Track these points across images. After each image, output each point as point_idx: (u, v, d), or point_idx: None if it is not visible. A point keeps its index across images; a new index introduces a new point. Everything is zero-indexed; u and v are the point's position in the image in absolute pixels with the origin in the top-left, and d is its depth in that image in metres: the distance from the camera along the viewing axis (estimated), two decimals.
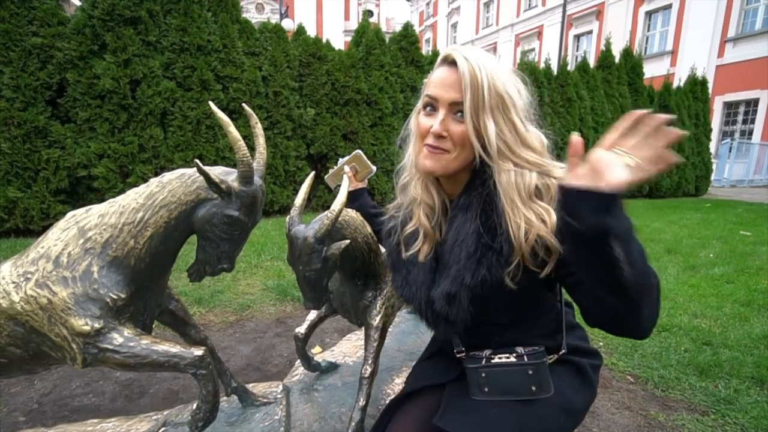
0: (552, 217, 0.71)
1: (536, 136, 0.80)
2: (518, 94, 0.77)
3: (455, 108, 0.77)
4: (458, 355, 0.89)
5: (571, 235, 0.60)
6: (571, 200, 0.58)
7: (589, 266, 0.62)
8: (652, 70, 13.02)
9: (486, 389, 0.83)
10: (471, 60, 0.74)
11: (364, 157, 1.23)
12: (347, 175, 1.18)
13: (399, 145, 0.95)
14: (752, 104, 13.48)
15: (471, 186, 0.82)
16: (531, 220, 0.72)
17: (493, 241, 0.76)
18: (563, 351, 0.87)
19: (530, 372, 0.80)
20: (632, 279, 0.59)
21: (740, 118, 13.92)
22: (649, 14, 15.88)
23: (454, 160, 0.79)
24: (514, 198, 0.74)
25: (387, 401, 1.37)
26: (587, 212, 0.56)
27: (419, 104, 0.85)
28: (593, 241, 0.57)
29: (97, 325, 0.88)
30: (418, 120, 0.83)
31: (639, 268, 0.59)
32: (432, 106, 0.80)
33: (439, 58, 0.81)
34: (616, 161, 0.56)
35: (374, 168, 1.24)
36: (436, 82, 0.79)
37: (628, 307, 0.62)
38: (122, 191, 0.97)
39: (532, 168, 0.76)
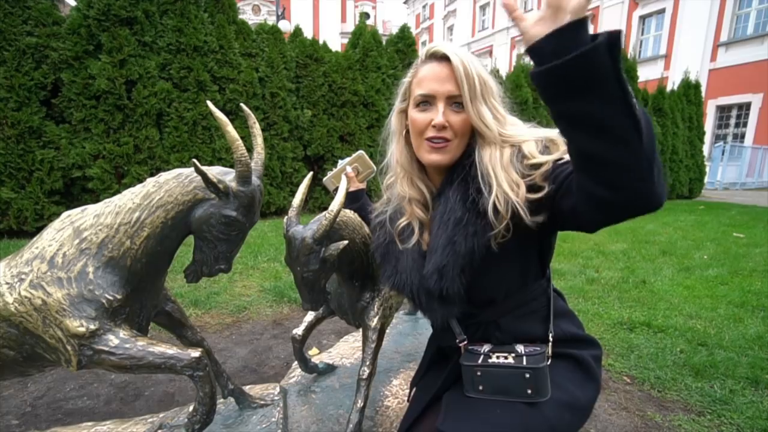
0: (522, 189, 0.75)
1: (510, 117, 0.85)
2: (492, 80, 0.84)
3: (451, 101, 0.82)
4: (460, 344, 0.89)
5: (574, 82, 0.54)
6: (559, 43, 0.55)
7: (600, 111, 0.54)
8: (646, 73, 13.17)
9: (480, 387, 0.83)
10: (459, 53, 0.80)
11: (367, 158, 1.23)
12: (348, 175, 1.18)
13: (381, 145, 0.99)
14: (744, 108, 13.64)
15: (456, 165, 0.87)
16: (509, 188, 0.76)
17: (478, 204, 0.80)
18: (551, 334, 0.87)
19: (527, 375, 0.79)
20: (639, 114, 0.54)
21: (733, 121, 14.08)
22: (642, 18, 16.04)
23: (456, 148, 0.85)
24: (496, 169, 0.78)
25: (385, 403, 1.37)
26: (577, 43, 0.53)
27: (402, 104, 0.90)
28: (599, 65, 0.52)
29: (92, 327, 0.87)
30: (413, 117, 0.86)
31: (637, 105, 0.54)
32: (427, 102, 0.84)
33: (424, 55, 0.86)
34: None
35: (375, 168, 1.24)
36: (430, 77, 0.83)
37: (640, 158, 0.55)
38: (117, 192, 0.97)
39: (515, 143, 0.81)
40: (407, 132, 0.90)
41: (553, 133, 0.80)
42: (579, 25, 0.55)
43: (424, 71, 0.84)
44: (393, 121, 0.93)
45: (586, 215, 0.66)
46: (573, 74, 0.54)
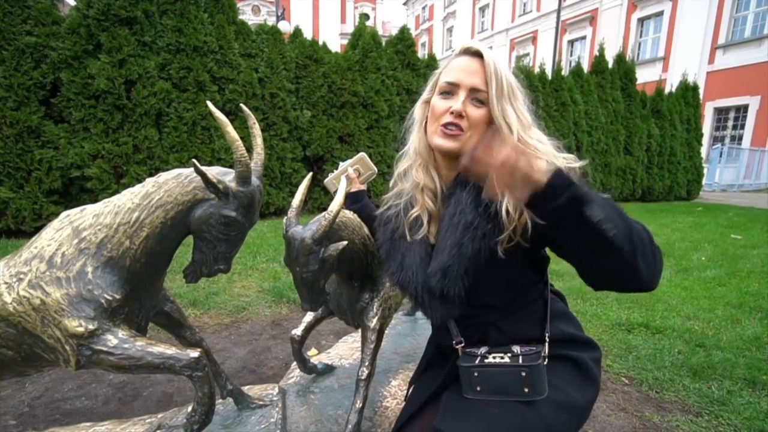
0: None
1: (536, 127, 0.88)
2: (520, 88, 0.88)
3: (473, 94, 0.85)
4: (456, 346, 0.90)
5: (559, 218, 0.68)
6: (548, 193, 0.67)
7: (582, 239, 0.69)
8: (645, 75, 13.20)
9: (478, 388, 0.83)
10: (491, 54, 0.85)
11: (368, 160, 1.24)
12: (349, 177, 1.18)
13: (403, 134, 1.01)
14: (742, 110, 13.70)
15: None
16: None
17: (489, 209, 0.81)
18: (547, 334, 0.89)
19: (523, 374, 0.80)
20: (620, 234, 0.66)
21: (730, 123, 14.13)
22: (641, 21, 16.11)
23: (467, 140, 0.86)
24: None
25: (384, 403, 1.37)
26: (559, 194, 0.66)
27: (428, 95, 0.93)
28: (573, 212, 0.66)
29: (91, 327, 0.86)
30: (434, 103, 0.89)
31: (622, 223, 0.67)
32: (450, 91, 0.87)
33: (459, 50, 0.88)
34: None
35: (376, 170, 1.25)
36: (457, 68, 0.86)
37: (624, 264, 0.68)
38: (116, 192, 0.97)
39: (534, 151, 0.81)
40: (428, 121, 0.92)
41: (571, 164, 0.82)
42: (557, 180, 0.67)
43: (454, 63, 0.87)
44: (417, 110, 0.96)
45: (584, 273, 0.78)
46: (557, 214, 0.68)
